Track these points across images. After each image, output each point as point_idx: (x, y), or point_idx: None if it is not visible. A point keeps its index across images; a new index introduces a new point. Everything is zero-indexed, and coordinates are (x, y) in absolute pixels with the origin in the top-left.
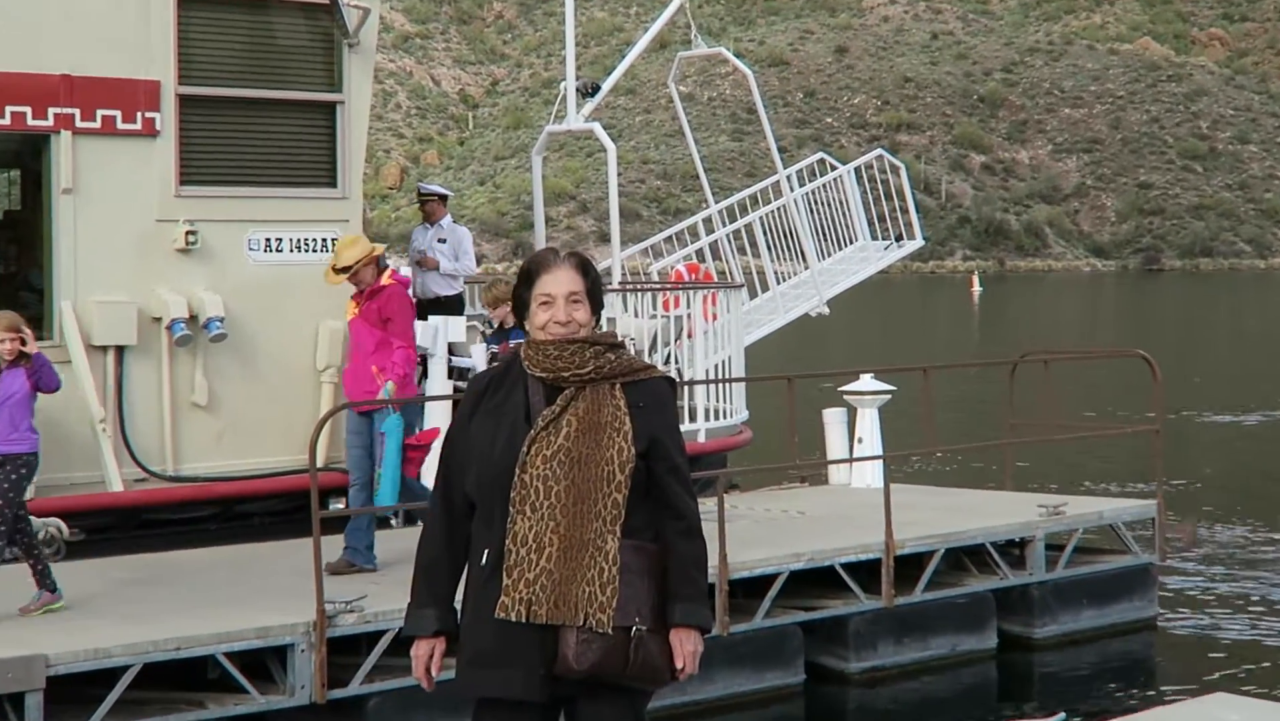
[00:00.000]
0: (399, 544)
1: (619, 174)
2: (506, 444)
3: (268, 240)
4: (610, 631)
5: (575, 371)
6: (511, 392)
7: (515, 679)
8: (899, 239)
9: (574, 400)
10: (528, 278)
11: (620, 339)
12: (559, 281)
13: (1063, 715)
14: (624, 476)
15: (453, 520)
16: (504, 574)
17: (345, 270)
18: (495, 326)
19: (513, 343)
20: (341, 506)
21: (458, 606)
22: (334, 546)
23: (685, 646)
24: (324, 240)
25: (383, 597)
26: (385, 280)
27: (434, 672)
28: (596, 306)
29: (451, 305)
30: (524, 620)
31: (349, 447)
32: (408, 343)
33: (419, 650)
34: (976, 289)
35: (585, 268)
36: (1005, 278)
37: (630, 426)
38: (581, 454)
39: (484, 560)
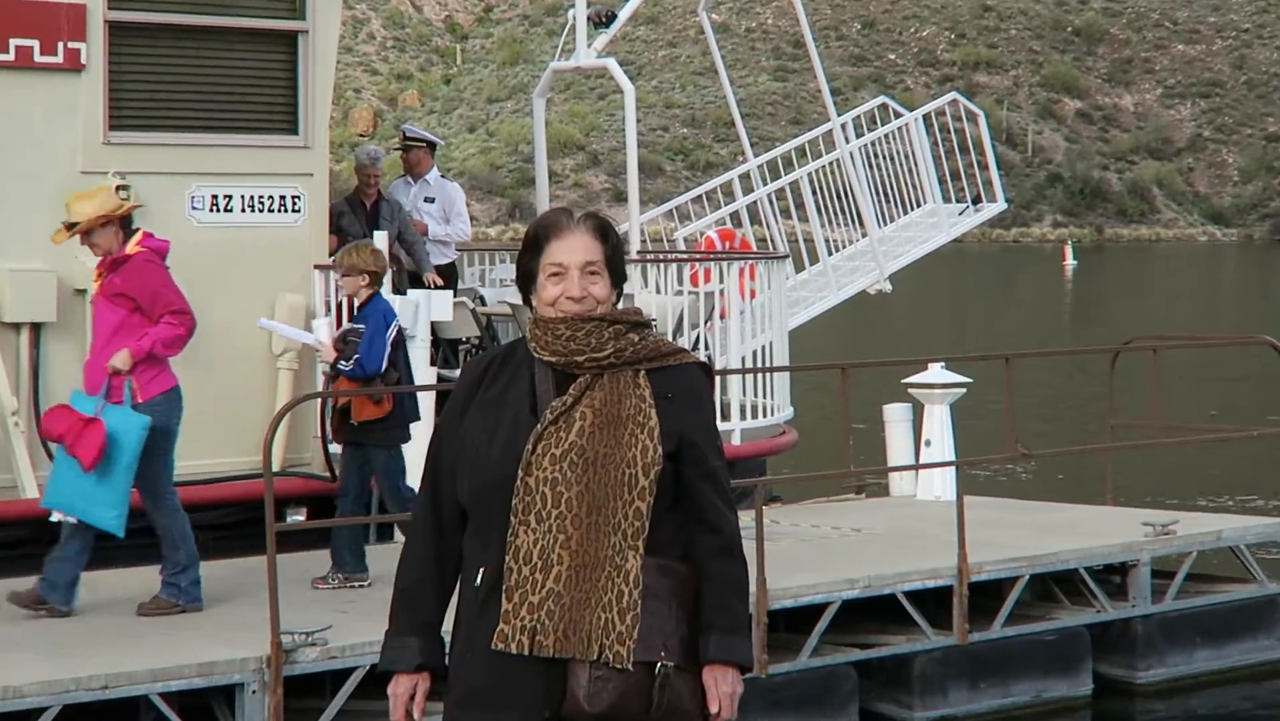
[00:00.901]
0: (374, 566)
1: (638, 120)
2: (507, 441)
3: (215, 197)
4: (630, 667)
5: (591, 355)
6: (514, 380)
7: None
8: (976, 201)
9: (589, 389)
10: (535, 244)
11: (646, 317)
12: (573, 249)
13: None
14: (648, 481)
15: (441, 532)
16: (503, 597)
17: (73, 227)
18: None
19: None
20: (301, 519)
21: (446, 636)
22: (293, 566)
23: (721, 687)
24: (283, 198)
25: (351, 628)
26: (131, 248)
27: (416, 715)
28: (617, 278)
29: (442, 277)
30: (526, 652)
31: None
32: (175, 319)
33: (398, 687)
34: (1070, 261)
35: (604, 232)
36: (1104, 248)
37: (657, 422)
38: (598, 454)
39: (479, 580)
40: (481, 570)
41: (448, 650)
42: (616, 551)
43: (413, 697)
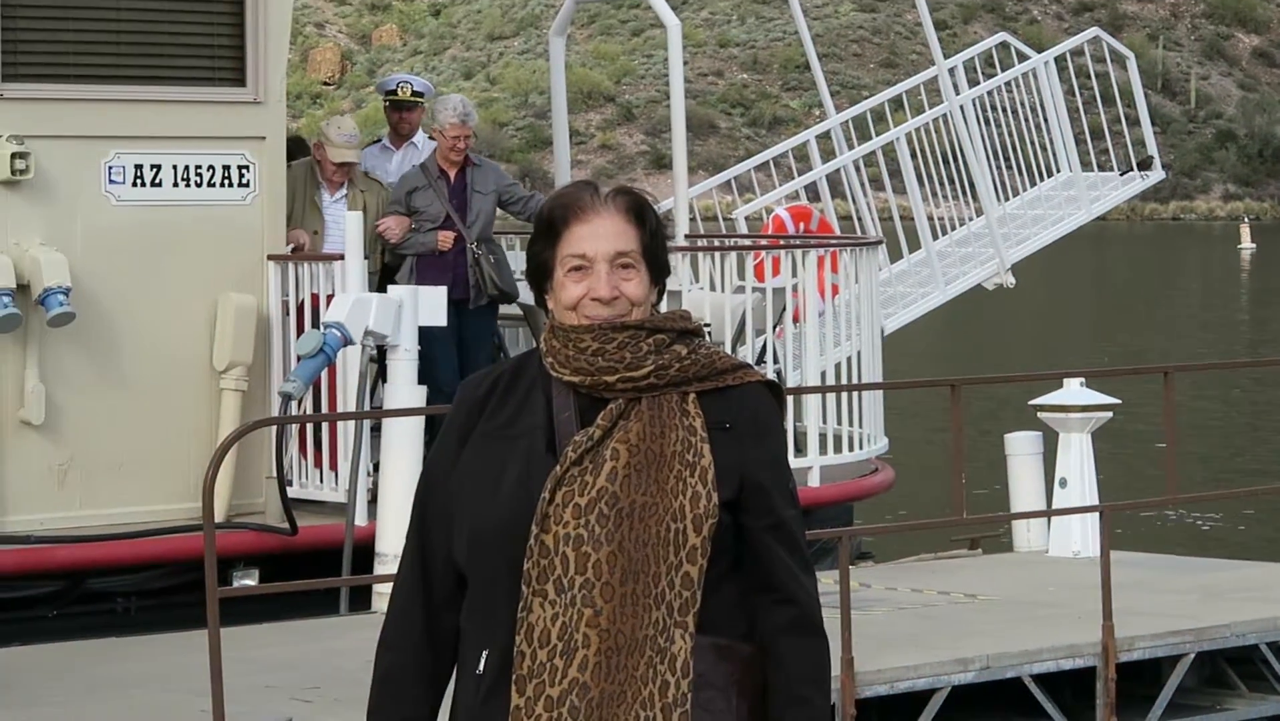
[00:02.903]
0: (345, 640)
1: (685, 63)
2: (517, 486)
3: (139, 168)
4: None
5: (625, 374)
6: (526, 406)
7: None
8: (1139, 167)
9: (623, 419)
10: (550, 229)
11: (697, 323)
12: (600, 235)
13: None
14: (700, 539)
15: (431, 604)
16: (513, 689)
17: None
18: None
19: None
20: (253, 582)
21: None
22: (242, 642)
23: None
24: (227, 168)
25: None
26: None
27: None
28: (658, 273)
29: None
30: None
31: None
32: None
33: None
34: (1247, 245)
35: (640, 213)
36: None
37: (711, 460)
38: (635, 503)
39: (481, 667)
40: (485, 654)
41: None
42: (660, 630)
43: None
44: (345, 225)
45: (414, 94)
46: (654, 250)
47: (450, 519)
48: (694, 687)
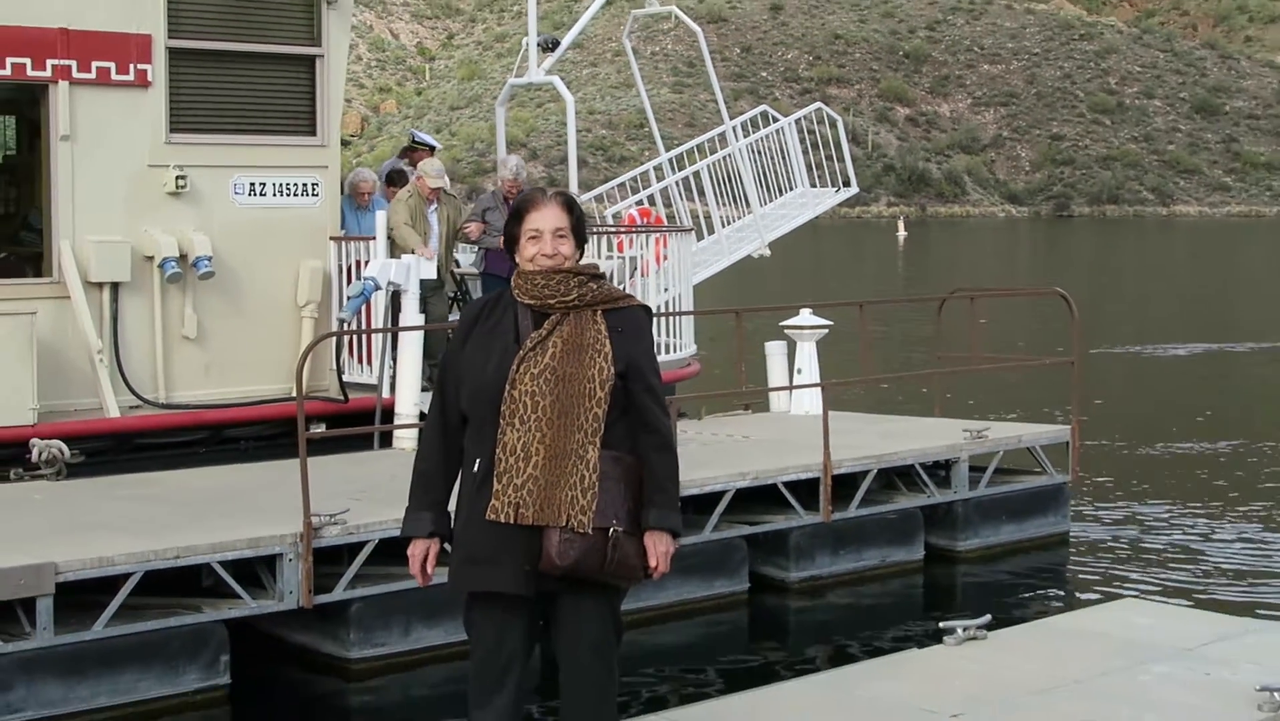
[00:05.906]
0: (378, 465)
1: (567, 123)
2: (498, 363)
3: (252, 184)
4: (590, 532)
5: (561, 299)
6: (503, 318)
7: (504, 574)
8: (843, 185)
9: (559, 324)
10: (518, 214)
11: (601, 270)
12: (546, 218)
13: (987, 618)
14: (604, 393)
15: (448, 433)
16: (494, 480)
17: None
18: None
19: None
20: (323, 430)
21: (451, 511)
22: (317, 466)
23: (658, 547)
24: (304, 184)
25: (364, 512)
26: None
27: (429, 571)
28: (580, 241)
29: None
30: (512, 521)
31: None
32: None
33: (415, 549)
34: (901, 234)
35: (570, 205)
36: (926, 222)
37: (610, 349)
38: (566, 372)
39: (476, 468)
40: (478, 460)
41: (453, 522)
42: (580, 446)
43: (427, 557)
44: (433, 226)
45: (416, 142)
46: (579, 228)
47: (459, 383)
48: (600, 479)
